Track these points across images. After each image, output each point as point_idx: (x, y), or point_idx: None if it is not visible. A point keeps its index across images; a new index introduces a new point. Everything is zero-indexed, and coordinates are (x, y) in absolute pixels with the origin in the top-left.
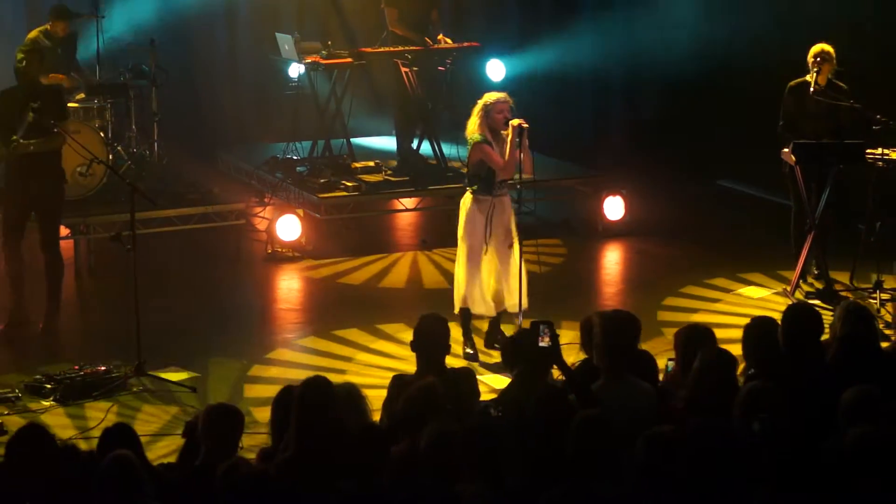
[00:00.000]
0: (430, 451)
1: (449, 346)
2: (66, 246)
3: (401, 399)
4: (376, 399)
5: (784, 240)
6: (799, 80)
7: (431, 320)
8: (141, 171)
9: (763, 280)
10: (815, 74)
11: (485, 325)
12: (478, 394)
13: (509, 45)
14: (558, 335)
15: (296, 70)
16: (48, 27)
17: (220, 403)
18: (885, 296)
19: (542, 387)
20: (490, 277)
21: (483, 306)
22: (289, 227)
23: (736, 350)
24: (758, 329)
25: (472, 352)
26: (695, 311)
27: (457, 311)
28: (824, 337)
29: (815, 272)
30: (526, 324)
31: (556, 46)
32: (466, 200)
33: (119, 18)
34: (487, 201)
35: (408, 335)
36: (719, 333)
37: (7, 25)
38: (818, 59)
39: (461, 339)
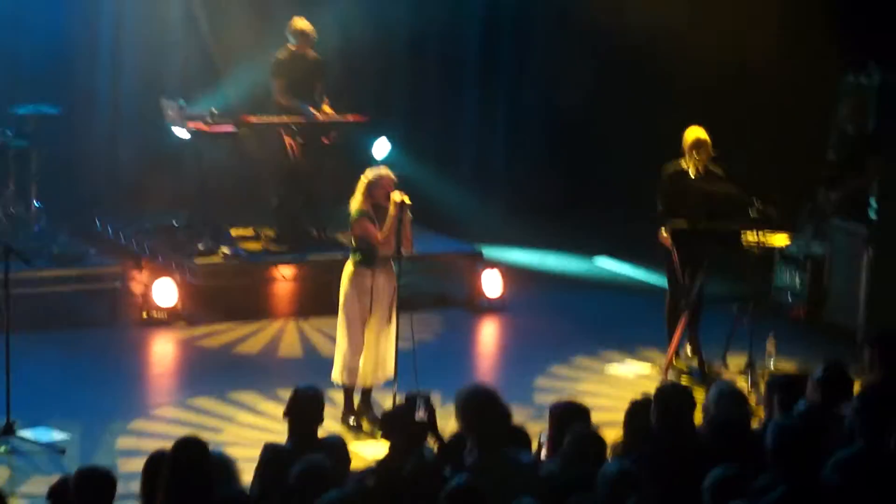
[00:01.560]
0: None
1: (322, 418)
2: None
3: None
4: (246, 464)
5: (659, 318)
6: (675, 165)
7: (307, 392)
8: (17, 232)
9: (639, 356)
10: (692, 161)
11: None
12: (348, 462)
13: (394, 124)
14: (434, 408)
15: (182, 134)
16: None
17: (91, 466)
18: (756, 377)
19: (416, 458)
20: (368, 349)
21: (363, 379)
22: (165, 292)
23: (608, 424)
24: (636, 408)
25: (354, 423)
26: (571, 381)
27: (338, 382)
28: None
29: (689, 352)
30: (401, 397)
31: (440, 121)
32: (347, 270)
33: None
34: (367, 274)
35: (278, 403)
36: (592, 407)
37: None
38: (696, 145)
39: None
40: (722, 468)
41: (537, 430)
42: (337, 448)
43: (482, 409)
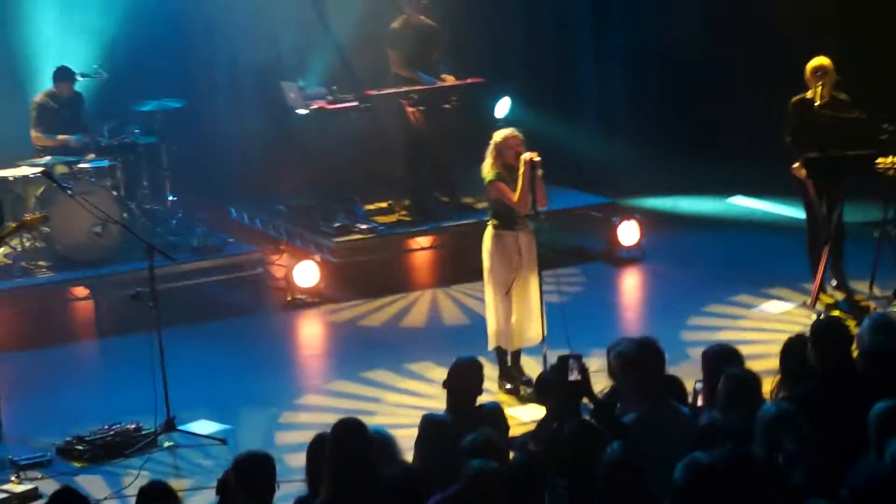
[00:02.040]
0: (472, 489)
1: (482, 389)
2: (86, 306)
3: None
4: (407, 439)
5: (801, 253)
6: (800, 95)
7: (466, 362)
8: (155, 227)
9: (783, 294)
10: (818, 89)
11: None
12: (507, 428)
13: (514, 83)
14: (587, 367)
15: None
16: (53, 89)
17: (249, 451)
18: None
19: (573, 421)
20: (519, 313)
21: (516, 341)
22: (306, 274)
23: (762, 366)
24: (791, 346)
25: (511, 386)
26: (718, 329)
27: (491, 348)
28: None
29: (834, 283)
30: (554, 358)
31: (558, 74)
32: (487, 236)
33: (124, 76)
34: (510, 236)
35: (433, 373)
36: (744, 350)
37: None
38: (818, 73)
39: (495, 376)
40: (886, 401)
41: (691, 378)
42: (495, 415)
43: (641, 361)
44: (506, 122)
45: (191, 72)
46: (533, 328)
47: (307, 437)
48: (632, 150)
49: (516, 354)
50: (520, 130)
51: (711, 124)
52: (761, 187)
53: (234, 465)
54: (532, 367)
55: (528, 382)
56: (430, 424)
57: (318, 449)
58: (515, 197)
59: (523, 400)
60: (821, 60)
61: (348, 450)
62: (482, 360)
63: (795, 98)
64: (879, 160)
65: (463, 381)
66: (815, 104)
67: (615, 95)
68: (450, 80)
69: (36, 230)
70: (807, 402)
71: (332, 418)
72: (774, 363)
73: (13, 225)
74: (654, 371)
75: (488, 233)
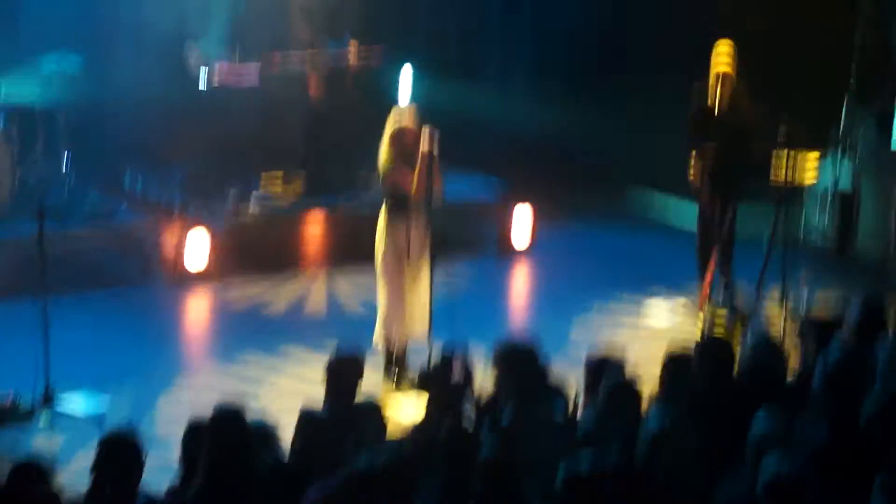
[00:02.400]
0: (347, 488)
1: (358, 382)
2: None
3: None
4: (290, 423)
5: (691, 254)
6: (697, 89)
7: (346, 354)
8: (48, 191)
9: (671, 293)
10: (716, 80)
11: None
12: (384, 427)
13: (417, 46)
14: (471, 367)
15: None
16: None
17: (115, 432)
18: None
19: (452, 420)
20: (410, 304)
21: (402, 332)
22: (198, 245)
23: (645, 369)
24: (673, 361)
25: (393, 379)
26: (606, 328)
27: (380, 343)
28: None
29: (722, 284)
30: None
31: (467, 48)
32: (381, 221)
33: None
34: (402, 223)
35: (318, 357)
36: (628, 350)
37: None
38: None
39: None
40: (764, 410)
41: (574, 376)
42: (372, 413)
43: (517, 365)
44: (411, 97)
45: (93, 33)
46: (419, 321)
47: (187, 415)
48: (530, 133)
49: (402, 346)
50: (418, 104)
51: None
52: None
53: (100, 443)
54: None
55: (410, 378)
56: (306, 420)
57: (194, 435)
58: (413, 189)
59: (405, 397)
60: (722, 44)
61: (225, 439)
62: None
63: (694, 94)
64: (775, 170)
65: (340, 374)
66: (715, 101)
67: (523, 71)
68: (353, 46)
69: None
70: (687, 416)
71: (213, 398)
72: (657, 367)
73: None
74: (528, 371)
75: (381, 218)
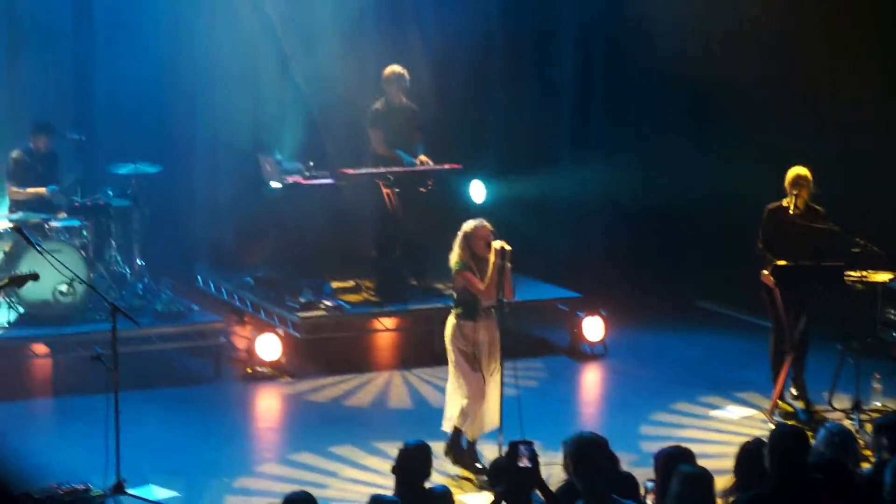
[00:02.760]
0: None
1: (429, 473)
2: (46, 364)
3: None
4: None
5: (762, 360)
6: (777, 203)
7: (415, 447)
8: (121, 290)
9: (743, 399)
10: (793, 198)
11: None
12: None
13: (490, 169)
14: (538, 455)
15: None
16: (30, 144)
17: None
18: (863, 417)
19: None
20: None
21: (477, 428)
22: (269, 346)
23: (717, 470)
24: (747, 451)
25: (480, 467)
26: (676, 428)
27: (452, 428)
28: None
29: (794, 393)
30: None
31: (537, 173)
32: (450, 324)
33: (101, 139)
34: (470, 326)
35: (387, 454)
36: (700, 452)
37: None
38: (796, 182)
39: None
40: None
41: (642, 478)
42: (443, 498)
43: (589, 457)
44: (481, 208)
45: (168, 139)
46: (489, 417)
47: None
48: (603, 247)
49: (473, 443)
50: (490, 221)
51: (683, 229)
52: (728, 293)
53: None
54: (486, 454)
55: (482, 470)
56: None
57: None
58: (483, 286)
59: (472, 486)
60: (800, 170)
61: None
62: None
63: (772, 205)
64: (848, 272)
65: (410, 466)
66: (790, 212)
67: (591, 190)
68: (426, 160)
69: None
70: None
71: (283, 491)
72: (730, 467)
73: (5, 280)
74: (601, 467)
75: (450, 321)
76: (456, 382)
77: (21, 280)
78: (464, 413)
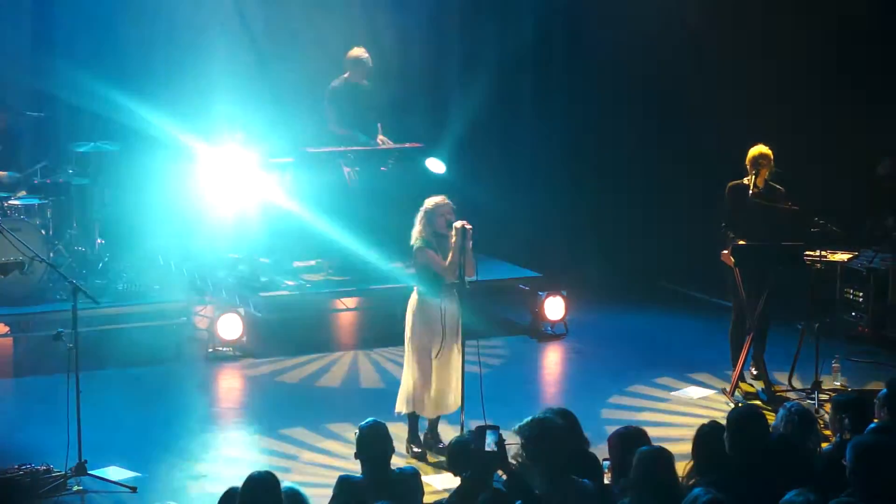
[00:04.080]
0: None
1: (391, 450)
2: (6, 343)
3: None
4: (319, 499)
5: (723, 340)
6: (737, 181)
7: (374, 427)
8: (81, 269)
9: (703, 379)
10: (752, 177)
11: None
12: (422, 493)
13: (449, 146)
14: (504, 439)
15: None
16: None
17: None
18: (823, 396)
19: (487, 491)
20: (439, 381)
21: (431, 409)
22: (230, 326)
23: (676, 450)
24: (705, 433)
25: (419, 450)
26: (638, 410)
27: (403, 412)
28: None
29: (754, 372)
30: (470, 427)
31: (498, 146)
32: (412, 302)
33: (64, 118)
34: (434, 304)
35: (350, 434)
36: (661, 433)
37: None
38: (756, 161)
39: (405, 437)
40: (795, 493)
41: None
42: (410, 479)
43: (551, 435)
44: (440, 185)
45: (129, 115)
46: (452, 397)
47: (219, 490)
48: (565, 226)
49: (434, 421)
50: (451, 198)
51: (649, 207)
52: (688, 272)
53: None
54: (448, 435)
55: (442, 450)
56: (345, 486)
57: (230, 502)
58: (445, 263)
59: (432, 465)
60: (761, 149)
61: (259, 503)
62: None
63: (731, 183)
64: (808, 252)
65: (369, 446)
66: (750, 192)
67: (554, 170)
68: (385, 140)
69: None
70: (719, 487)
71: (244, 472)
72: (688, 446)
73: None
74: (562, 442)
75: (413, 298)
76: (408, 362)
77: (6, 268)
78: (408, 398)
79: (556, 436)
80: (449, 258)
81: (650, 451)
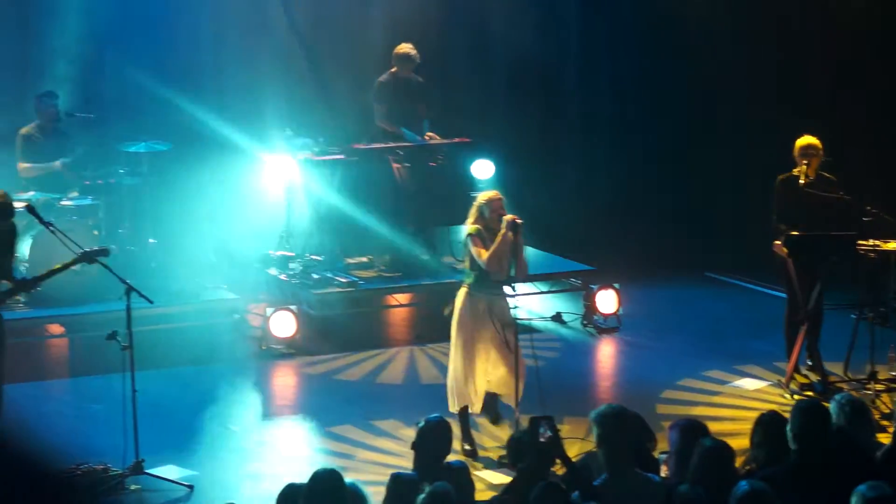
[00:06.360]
0: None
1: (448, 449)
2: (61, 343)
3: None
4: (376, 496)
5: (777, 331)
6: (787, 173)
7: (434, 423)
8: (134, 269)
9: (757, 371)
10: (803, 167)
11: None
12: (472, 488)
13: (498, 145)
14: (559, 430)
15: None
16: (38, 121)
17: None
18: (879, 386)
19: (542, 483)
20: (483, 376)
21: (478, 404)
22: (283, 324)
23: (733, 443)
24: (764, 422)
25: (470, 448)
26: (693, 404)
27: (454, 409)
28: None
29: (809, 363)
30: (525, 420)
31: (546, 143)
32: (460, 295)
33: (114, 119)
34: (481, 298)
35: (405, 431)
36: (715, 426)
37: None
38: (806, 152)
39: (459, 434)
40: (869, 487)
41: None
42: (461, 474)
43: (614, 429)
44: (488, 185)
45: (178, 114)
46: (506, 390)
47: (276, 487)
48: (611, 220)
49: (492, 397)
50: (503, 193)
51: (695, 199)
52: (741, 264)
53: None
54: (506, 431)
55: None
56: (397, 482)
57: (289, 498)
58: (486, 254)
59: (483, 462)
60: (809, 139)
61: (323, 498)
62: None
63: (782, 176)
64: (861, 242)
65: (428, 442)
66: (801, 182)
67: (598, 166)
68: (433, 135)
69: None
70: (779, 481)
71: (301, 470)
72: (745, 440)
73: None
74: (626, 438)
75: (461, 291)
76: (452, 356)
77: (90, 255)
78: (453, 393)
79: (627, 422)
80: (492, 248)
81: (713, 448)
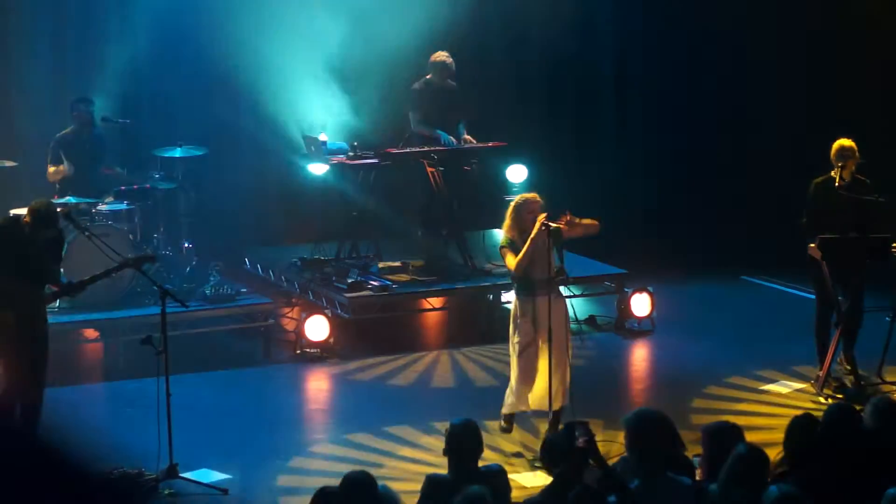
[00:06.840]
0: None
1: (481, 449)
2: (96, 348)
3: None
4: (410, 498)
5: (808, 334)
6: (823, 176)
7: (462, 426)
8: (169, 273)
9: (791, 375)
10: (838, 170)
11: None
12: (509, 491)
13: (533, 147)
14: (594, 434)
15: (320, 169)
16: (74, 126)
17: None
18: None
19: (578, 487)
20: (544, 375)
21: (532, 402)
22: (317, 328)
23: (765, 446)
24: (797, 426)
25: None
26: (726, 409)
27: (505, 412)
28: None
29: (845, 367)
30: (561, 425)
31: (579, 147)
32: (513, 301)
33: (146, 122)
34: (529, 301)
35: (439, 430)
36: (750, 430)
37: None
38: (842, 154)
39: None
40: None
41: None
42: (497, 477)
43: (648, 433)
44: (521, 188)
45: (213, 121)
46: (556, 394)
47: (309, 491)
48: (647, 223)
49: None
50: (542, 197)
51: (726, 203)
52: (774, 267)
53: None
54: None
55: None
56: (432, 484)
57: (322, 502)
58: (515, 260)
59: (526, 465)
60: (844, 142)
61: (356, 502)
62: (481, 422)
63: (818, 179)
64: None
65: (459, 444)
66: (836, 185)
67: (632, 169)
68: (469, 139)
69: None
70: (812, 484)
71: (337, 471)
72: (778, 443)
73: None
74: (660, 442)
75: (513, 296)
76: (512, 361)
77: (138, 261)
78: (511, 393)
79: (658, 425)
80: (521, 252)
81: (748, 454)
